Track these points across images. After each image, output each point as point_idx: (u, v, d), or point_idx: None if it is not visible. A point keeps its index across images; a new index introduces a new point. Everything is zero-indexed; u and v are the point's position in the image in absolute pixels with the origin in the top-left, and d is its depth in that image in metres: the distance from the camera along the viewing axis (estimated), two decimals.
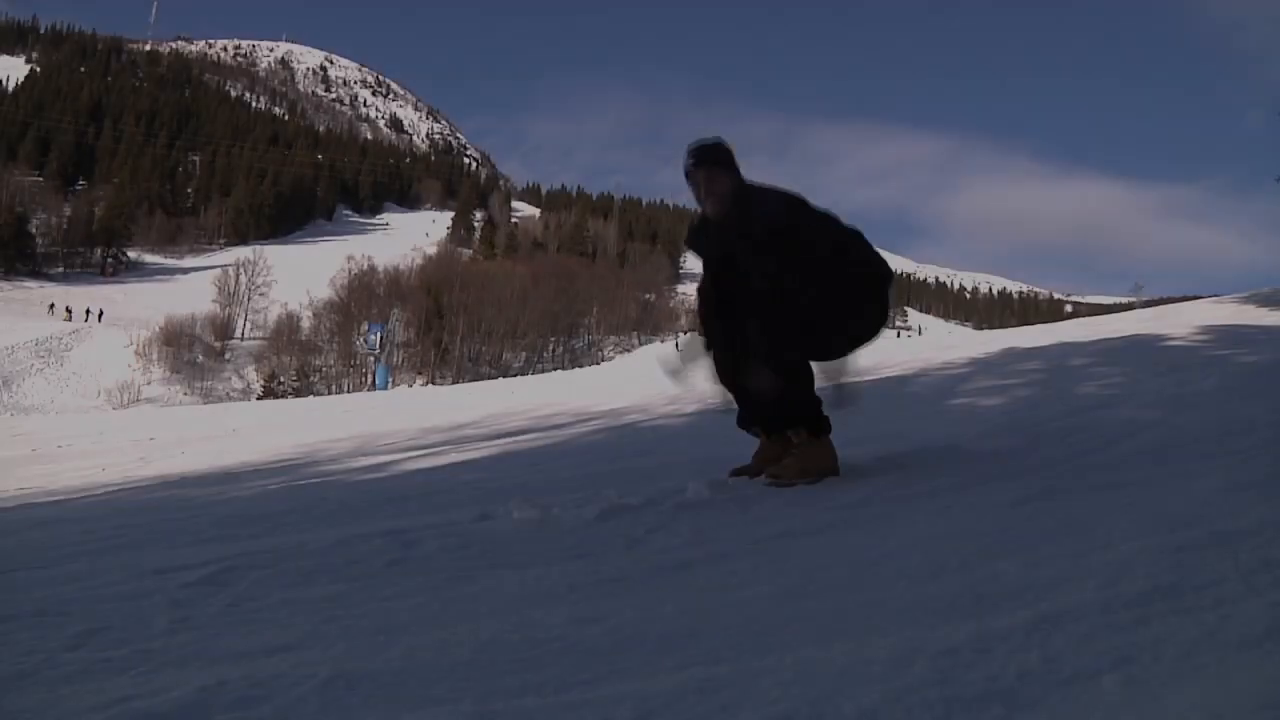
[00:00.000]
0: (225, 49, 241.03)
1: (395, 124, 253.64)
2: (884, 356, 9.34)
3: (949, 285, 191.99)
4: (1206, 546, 1.51)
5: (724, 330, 2.98)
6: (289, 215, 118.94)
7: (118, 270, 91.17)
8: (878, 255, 2.96)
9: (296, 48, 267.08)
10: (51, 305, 69.13)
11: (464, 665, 1.24)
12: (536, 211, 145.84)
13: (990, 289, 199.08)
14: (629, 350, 67.61)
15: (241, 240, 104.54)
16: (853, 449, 3.09)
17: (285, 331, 66.09)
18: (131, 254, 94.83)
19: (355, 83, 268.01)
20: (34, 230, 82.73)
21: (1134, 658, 1.08)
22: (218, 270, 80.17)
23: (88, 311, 68.32)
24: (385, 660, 1.29)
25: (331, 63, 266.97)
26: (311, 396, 37.64)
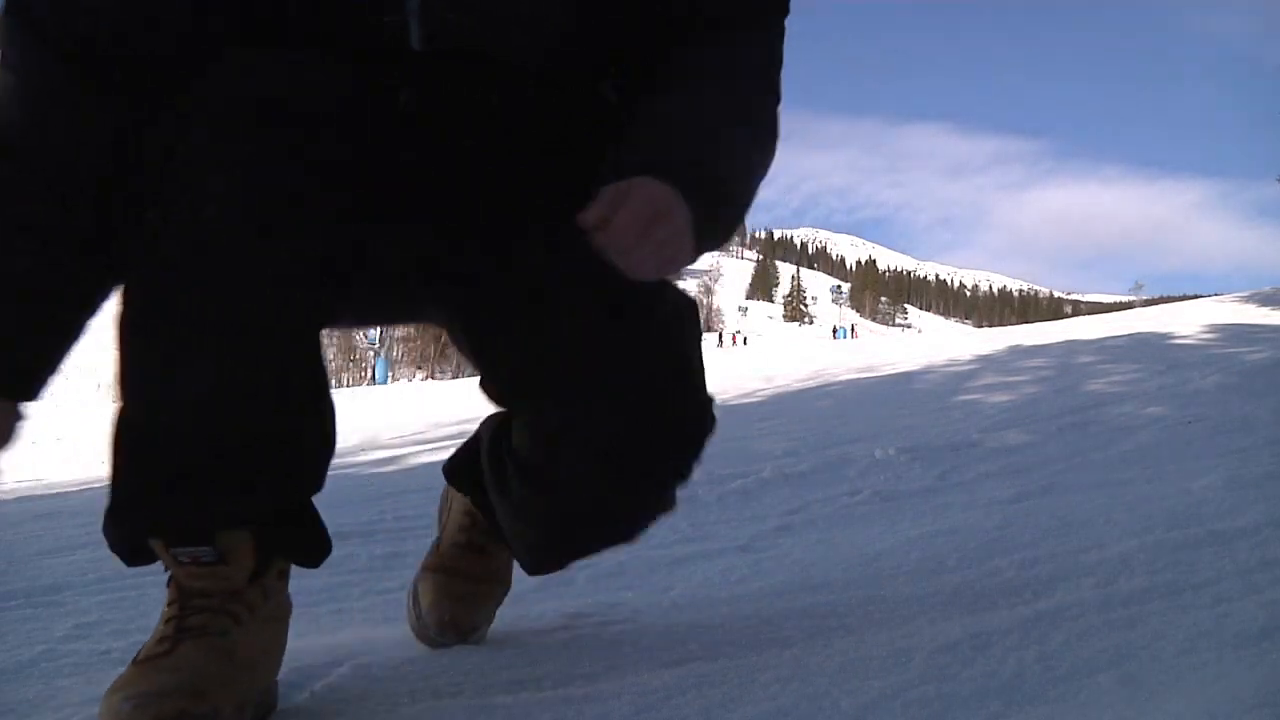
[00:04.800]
0: None
1: None
2: (889, 354, 9.35)
3: (949, 283, 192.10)
4: (1205, 545, 1.51)
5: None
6: None
7: None
8: None
9: None
10: None
11: (462, 658, 1.24)
12: None
13: (990, 286, 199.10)
14: None
15: None
16: (853, 445, 3.10)
17: None
18: None
19: None
20: None
21: (1131, 655, 1.08)
22: None
23: None
24: (383, 653, 1.29)
25: None
26: None
